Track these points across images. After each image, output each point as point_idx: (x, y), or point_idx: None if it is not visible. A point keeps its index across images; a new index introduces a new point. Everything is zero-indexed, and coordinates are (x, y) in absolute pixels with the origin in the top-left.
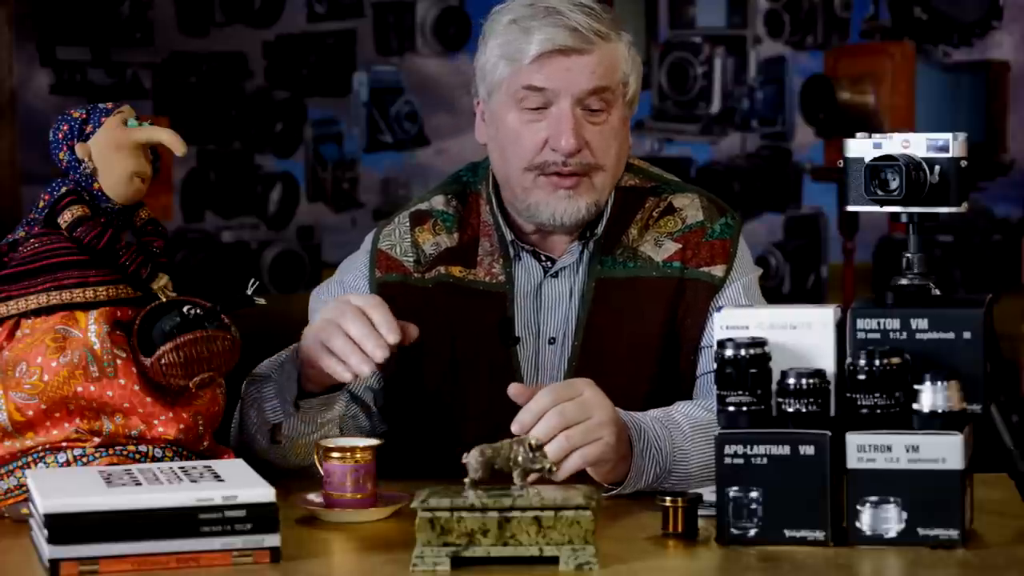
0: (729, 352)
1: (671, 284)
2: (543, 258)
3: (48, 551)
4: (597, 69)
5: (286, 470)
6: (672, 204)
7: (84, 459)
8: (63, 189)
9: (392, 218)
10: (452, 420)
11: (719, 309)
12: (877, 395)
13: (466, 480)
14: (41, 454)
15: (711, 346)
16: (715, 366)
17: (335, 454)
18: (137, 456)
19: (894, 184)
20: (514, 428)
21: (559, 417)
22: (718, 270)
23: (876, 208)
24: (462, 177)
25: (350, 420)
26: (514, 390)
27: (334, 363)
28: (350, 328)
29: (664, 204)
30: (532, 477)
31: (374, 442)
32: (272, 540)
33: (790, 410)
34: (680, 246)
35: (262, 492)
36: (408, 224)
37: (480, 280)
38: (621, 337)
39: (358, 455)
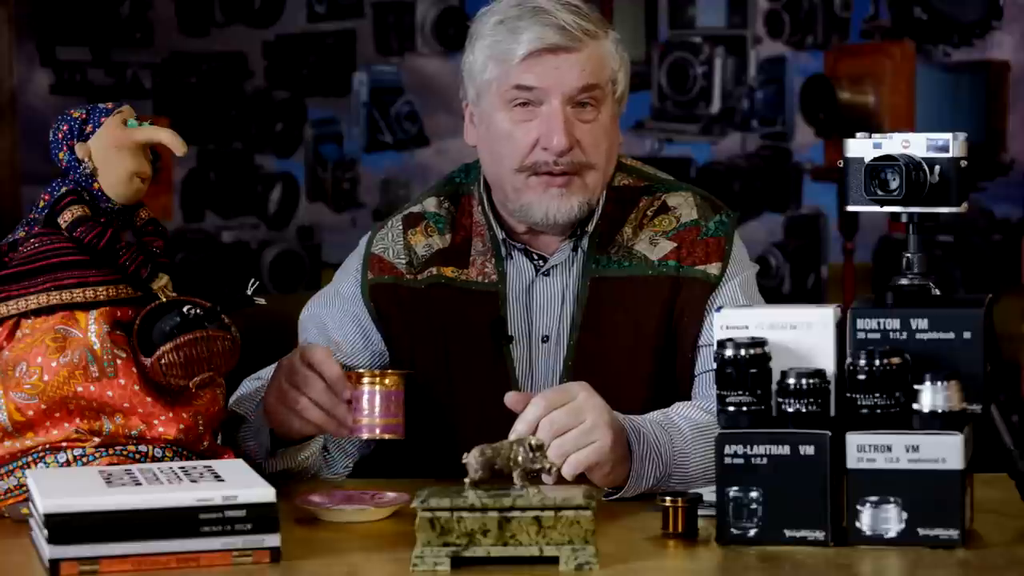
0: (729, 352)
1: (667, 283)
2: (535, 256)
3: (48, 551)
4: (587, 67)
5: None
6: (666, 203)
7: (84, 459)
8: (63, 189)
9: (385, 222)
10: (447, 420)
11: (718, 309)
12: (877, 395)
13: (466, 480)
14: (41, 454)
15: (709, 345)
16: (715, 366)
17: (365, 379)
18: (137, 456)
19: (894, 184)
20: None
21: (549, 426)
22: (714, 268)
23: (876, 208)
24: (455, 178)
25: (343, 441)
26: (510, 399)
27: (308, 427)
28: (315, 397)
29: (658, 203)
30: (549, 479)
31: (403, 371)
32: (272, 540)
33: (790, 410)
34: (675, 245)
35: (262, 492)
36: (401, 227)
37: (473, 280)
38: (617, 337)
39: (388, 380)
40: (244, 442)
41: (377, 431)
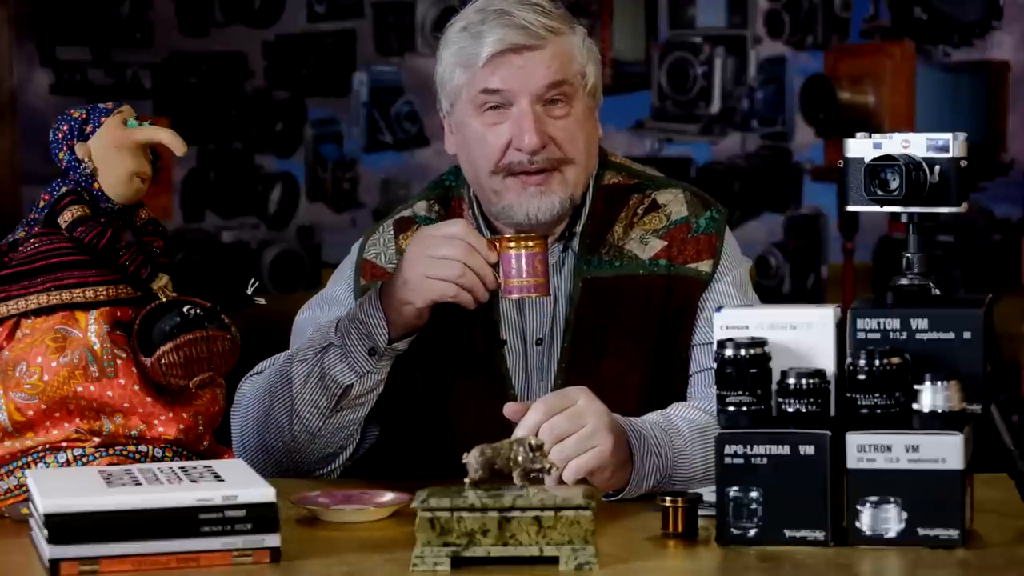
0: (729, 352)
1: (658, 282)
2: None
3: (48, 551)
4: (552, 64)
5: (309, 466)
6: (656, 200)
7: (84, 459)
8: (63, 189)
9: (377, 226)
10: (443, 424)
11: (718, 309)
12: (877, 395)
13: (466, 480)
14: (41, 454)
15: (703, 344)
16: (715, 366)
17: (511, 243)
18: (137, 456)
19: (894, 184)
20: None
21: (549, 432)
22: (705, 265)
23: (876, 208)
24: (444, 181)
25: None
26: (509, 410)
27: (459, 293)
28: (467, 260)
29: (648, 201)
30: (550, 479)
31: (543, 234)
32: (272, 540)
33: (790, 410)
34: (666, 243)
35: (262, 492)
36: (392, 232)
37: None
38: (610, 337)
39: (531, 243)
40: (325, 374)
41: (527, 291)
